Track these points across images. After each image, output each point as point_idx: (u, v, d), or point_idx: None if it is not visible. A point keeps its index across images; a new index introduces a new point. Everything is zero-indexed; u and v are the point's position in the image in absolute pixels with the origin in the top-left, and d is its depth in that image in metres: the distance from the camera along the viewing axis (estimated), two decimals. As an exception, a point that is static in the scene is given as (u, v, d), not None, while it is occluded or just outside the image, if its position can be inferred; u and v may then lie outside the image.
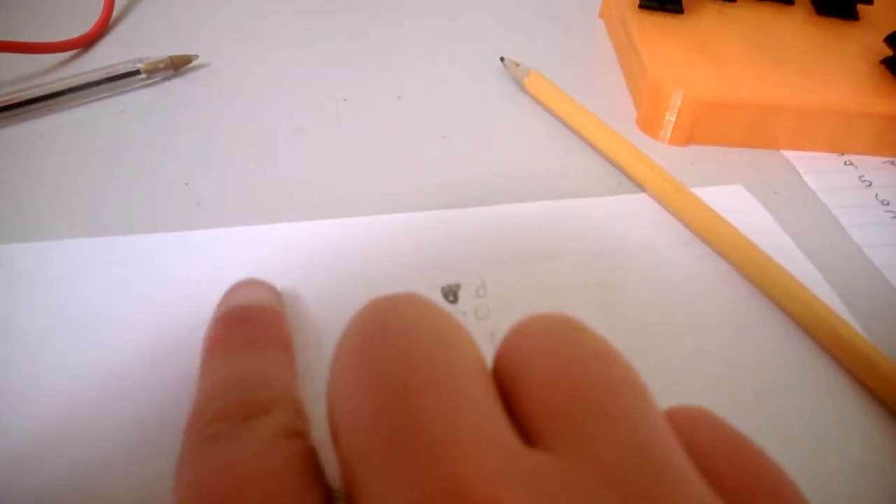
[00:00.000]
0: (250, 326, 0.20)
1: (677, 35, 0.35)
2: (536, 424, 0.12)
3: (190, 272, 0.25)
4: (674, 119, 0.31)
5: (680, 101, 0.31)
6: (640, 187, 0.29)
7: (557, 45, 0.40)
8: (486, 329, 0.23)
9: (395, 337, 0.13)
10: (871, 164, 0.32)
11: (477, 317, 0.24)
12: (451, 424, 0.12)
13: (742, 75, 0.32)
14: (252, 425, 0.15)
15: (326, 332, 0.23)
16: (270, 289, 0.23)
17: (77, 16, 0.38)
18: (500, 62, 0.36)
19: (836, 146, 0.33)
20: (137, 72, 0.33)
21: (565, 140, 0.32)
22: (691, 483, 0.12)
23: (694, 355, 0.23)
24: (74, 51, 0.36)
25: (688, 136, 0.32)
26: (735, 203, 0.29)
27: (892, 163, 0.33)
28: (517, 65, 0.35)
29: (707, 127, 0.32)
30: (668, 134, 0.32)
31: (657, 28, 0.35)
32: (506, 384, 0.13)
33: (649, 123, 0.33)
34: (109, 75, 0.33)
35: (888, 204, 0.30)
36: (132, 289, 0.24)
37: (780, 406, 0.22)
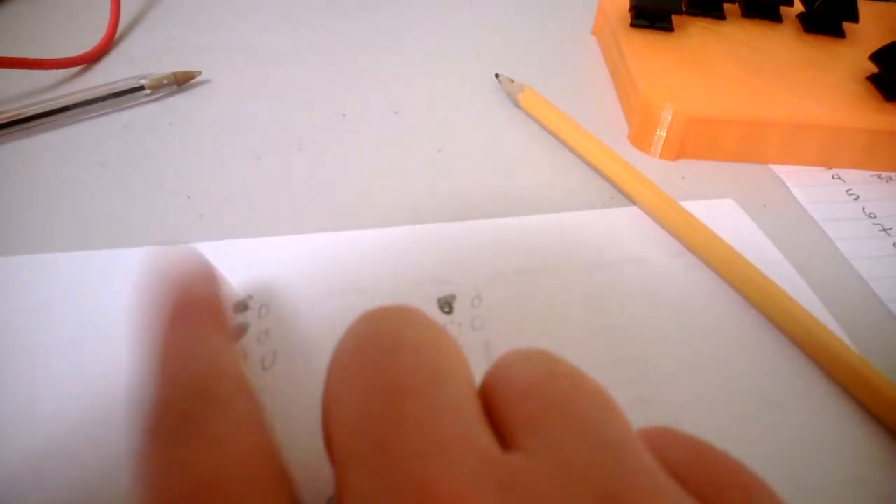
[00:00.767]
0: (199, 316, 0.19)
1: (667, 52, 0.36)
2: (512, 431, 0.13)
3: (192, 283, 0.25)
4: (664, 135, 0.32)
5: (670, 118, 0.32)
6: (632, 201, 0.30)
7: (551, 61, 0.41)
8: (481, 339, 0.24)
9: (387, 347, 0.14)
10: (859, 178, 0.33)
11: (472, 327, 0.24)
12: (433, 430, 0.12)
13: (731, 92, 0.33)
14: (210, 416, 0.15)
15: (323, 343, 0.24)
16: (208, 269, 0.21)
17: (82, 32, 0.38)
18: (495, 78, 0.37)
19: (824, 160, 0.33)
20: (141, 87, 0.34)
21: (559, 155, 0.33)
22: (658, 478, 0.12)
23: (684, 367, 0.24)
24: (80, 67, 0.37)
25: (678, 150, 0.33)
26: (725, 216, 0.30)
27: (879, 176, 0.33)
28: (512, 81, 0.36)
29: (697, 142, 0.33)
30: (659, 149, 0.33)
31: (648, 46, 0.36)
32: (488, 401, 0.14)
33: (640, 138, 0.33)
34: (114, 91, 0.33)
35: (875, 217, 0.31)
36: (130, 304, 0.24)
37: (771, 418, 0.23)
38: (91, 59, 0.37)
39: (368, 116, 0.35)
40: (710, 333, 0.25)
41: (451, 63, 0.40)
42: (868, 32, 0.39)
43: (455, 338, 0.23)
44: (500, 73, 0.37)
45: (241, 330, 0.24)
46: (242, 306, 0.25)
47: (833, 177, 0.33)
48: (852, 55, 0.37)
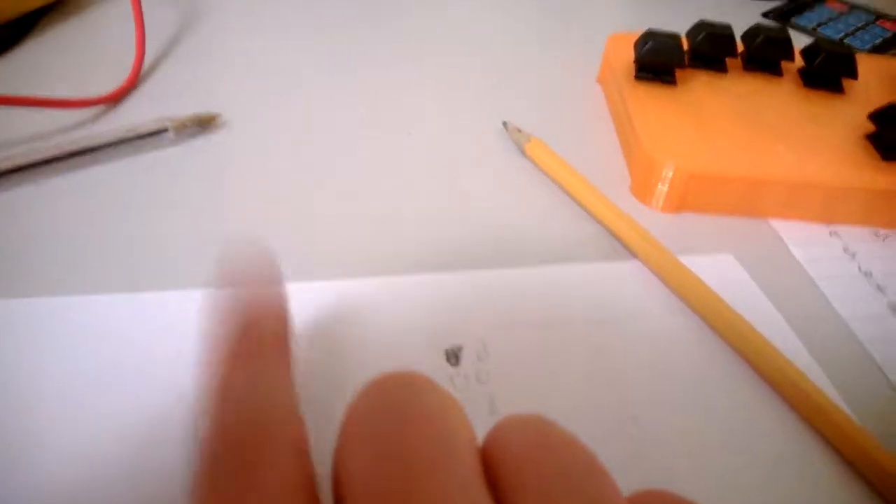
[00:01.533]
0: (255, 340, 0.19)
1: (670, 106, 0.37)
2: (509, 497, 0.14)
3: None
4: (665, 189, 0.33)
5: (671, 173, 0.33)
6: (634, 255, 0.31)
7: (557, 108, 0.42)
8: (486, 392, 0.25)
9: (398, 416, 0.15)
10: (856, 235, 0.34)
11: (478, 380, 0.25)
12: (440, 500, 0.13)
13: (732, 148, 0.34)
14: (261, 479, 0.16)
15: (329, 392, 0.24)
16: (273, 271, 0.22)
17: (105, 71, 0.40)
18: (502, 126, 0.38)
19: (823, 217, 0.34)
20: (165, 130, 0.35)
21: (564, 205, 0.34)
22: None
23: (681, 426, 0.25)
24: (103, 106, 0.38)
25: (679, 204, 0.34)
26: (724, 273, 0.31)
27: (877, 234, 0.34)
28: (519, 130, 0.37)
29: (697, 197, 0.34)
30: (661, 202, 0.34)
31: (651, 98, 0.37)
32: (487, 465, 0.15)
33: (642, 191, 0.35)
34: (138, 133, 0.34)
35: (871, 275, 0.32)
36: (157, 343, 0.25)
37: (765, 479, 0.23)
38: (115, 99, 0.38)
39: (380, 162, 0.36)
40: (706, 391, 0.26)
41: (459, 110, 0.41)
42: (867, 87, 0.40)
43: (461, 390, 0.25)
44: (507, 120, 0.38)
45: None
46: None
47: (831, 233, 0.34)
48: (851, 112, 0.38)
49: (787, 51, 0.40)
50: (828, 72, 0.39)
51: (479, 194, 0.34)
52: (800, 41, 0.41)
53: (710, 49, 0.39)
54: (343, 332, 0.27)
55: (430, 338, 0.27)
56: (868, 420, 0.25)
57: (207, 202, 0.32)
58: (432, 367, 0.26)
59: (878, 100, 0.37)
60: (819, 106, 0.38)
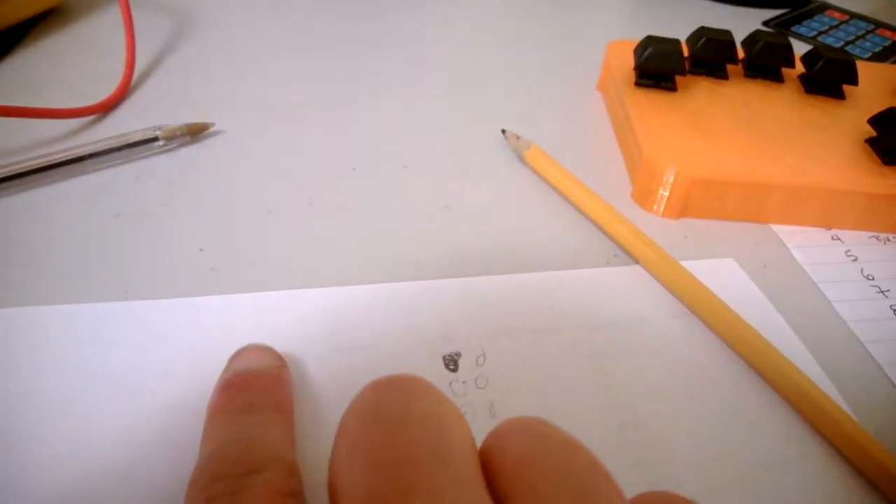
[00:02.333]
0: (248, 392, 0.22)
1: (671, 112, 0.37)
2: (509, 499, 0.14)
3: (203, 337, 0.26)
4: (667, 194, 0.33)
5: (673, 178, 0.33)
6: (635, 260, 0.31)
7: (557, 115, 0.41)
8: (485, 398, 0.24)
9: (394, 420, 0.15)
10: (857, 239, 0.34)
11: (477, 386, 0.25)
12: (438, 501, 0.13)
13: (733, 153, 0.34)
14: (246, 484, 0.17)
15: (329, 398, 0.24)
16: (271, 353, 0.24)
17: (96, 81, 0.39)
18: (501, 133, 0.38)
19: (824, 222, 0.34)
20: (156, 139, 0.35)
21: (564, 212, 0.34)
22: None
23: (684, 429, 0.24)
24: (93, 116, 0.37)
25: (680, 209, 0.33)
26: (726, 277, 0.30)
27: (878, 238, 0.34)
28: (518, 137, 0.37)
29: (699, 202, 0.33)
30: (662, 208, 0.33)
31: (652, 105, 0.37)
32: (487, 468, 0.15)
33: (643, 197, 0.34)
34: (128, 142, 0.34)
35: (873, 279, 0.32)
36: (147, 352, 0.25)
37: (768, 481, 0.23)
38: (105, 109, 0.38)
39: (377, 171, 0.35)
40: (709, 395, 0.26)
41: (459, 117, 0.41)
42: (867, 93, 0.40)
43: (460, 396, 0.24)
44: (506, 128, 0.38)
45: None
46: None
47: (833, 237, 0.34)
48: (852, 117, 0.37)
49: (787, 57, 0.39)
50: (828, 78, 0.39)
51: (479, 201, 0.34)
52: (800, 49, 0.41)
53: (710, 55, 0.39)
54: (341, 338, 0.26)
55: (428, 344, 0.26)
56: (870, 422, 0.24)
57: (198, 211, 0.32)
58: (431, 373, 0.25)
59: (878, 105, 0.37)
60: (820, 112, 0.38)
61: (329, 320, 0.27)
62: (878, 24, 0.56)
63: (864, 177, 0.33)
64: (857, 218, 0.34)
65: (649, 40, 0.38)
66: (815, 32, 0.54)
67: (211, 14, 0.50)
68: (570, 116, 0.42)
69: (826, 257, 0.33)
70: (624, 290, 0.30)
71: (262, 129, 0.38)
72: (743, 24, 0.54)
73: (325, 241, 0.31)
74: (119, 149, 0.34)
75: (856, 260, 0.33)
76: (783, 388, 0.25)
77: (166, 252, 0.29)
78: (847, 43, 0.53)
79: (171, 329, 0.26)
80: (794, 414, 0.25)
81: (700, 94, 0.38)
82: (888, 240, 0.34)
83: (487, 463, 0.15)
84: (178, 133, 0.35)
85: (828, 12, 0.58)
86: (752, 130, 0.36)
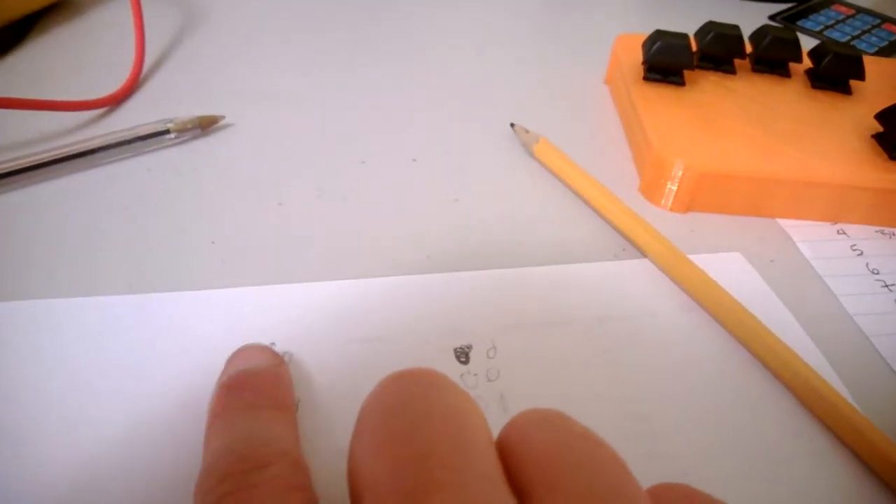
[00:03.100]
0: (249, 391, 0.22)
1: (679, 107, 0.37)
2: (531, 493, 0.14)
3: (214, 330, 0.26)
4: (675, 188, 0.33)
5: (681, 172, 0.33)
6: (643, 254, 0.31)
7: (565, 109, 0.42)
8: (496, 390, 0.25)
9: (415, 410, 0.15)
10: (863, 234, 0.34)
11: (487, 378, 0.25)
12: (461, 496, 0.13)
13: (741, 148, 0.34)
14: (254, 481, 0.17)
15: (344, 391, 0.24)
16: (269, 352, 0.24)
17: (106, 73, 0.40)
18: (510, 127, 0.38)
19: (830, 216, 0.34)
20: (167, 131, 0.35)
21: (572, 205, 0.34)
22: None
23: (693, 422, 0.25)
24: (104, 108, 0.38)
25: (688, 203, 0.34)
26: (733, 270, 0.31)
27: (883, 232, 0.34)
28: (527, 131, 0.37)
29: (707, 196, 0.33)
30: (670, 202, 0.34)
31: (660, 99, 0.37)
32: (507, 461, 0.15)
33: (651, 191, 0.34)
34: (140, 134, 0.34)
35: (878, 273, 0.32)
36: (157, 346, 0.25)
37: (776, 474, 0.23)
38: (115, 101, 0.38)
39: (387, 163, 0.36)
40: (717, 388, 0.26)
41: (468, 111, 0.41)
42: (874, 89, 0.40)
43: (471, 388, 0.24)
44: (515, 121, 0.38)
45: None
46: (266, 353, 0.25)
47: (838, 231, 0.34)
48: (858, 112, 0.38)
49: (795, 52, 0.40)
50: (835, 73, 0.39)
51: (488, 195, 0.34)
52: (806, 44, 0.41)
53: (718, 50, 0.39)
54: (353, 330, 0.26)
55: (440, 337, 0.27)
56: (875, 414, 0.24)
57: (209, 204, 0.32)
58: (443, 365, 0.26)
59: (885, 101, 0.37)
60: (827, 107, 0.38)
61: (340, 313, 0.27)
62: (885, 19, 0.56)
63: (871, 172, 0.34)
64: (863, 212, 0.34)
65: (658, 34, 0.38)
66: (821, 27, 0.54)
67: (220, 6, 0.50)
68: (579, 110, 0.42)
69: (832, 252, 0.33)
70: (632, 283, 0.30)
71: (272, 122, 0.38)
72: (749, 18, 0.54)
73: (336, 234, 0.31)
74: (130, 142, 0.34)
75: (861, 254, 0.33)
76: (790, 381, 0.26)
77: (177, 245, 0.30)
78: (853, 37, 0.53)
79: (181, 322, 0.26)
80: (801, 407, 0.25)
81: (708, 89, 0.38)
82: (894, 234, 0.34)
83: (506, 456, 0.15)
84: (188, 126, 0.35)
85: (834, 6, 0.58)
86: (760, 125, 0.36)
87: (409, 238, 0.31)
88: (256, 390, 0.22)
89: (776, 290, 0.30)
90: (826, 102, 0.39)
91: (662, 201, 0.34)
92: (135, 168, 0.34)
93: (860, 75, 0.39)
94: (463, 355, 0.26)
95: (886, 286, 0.31)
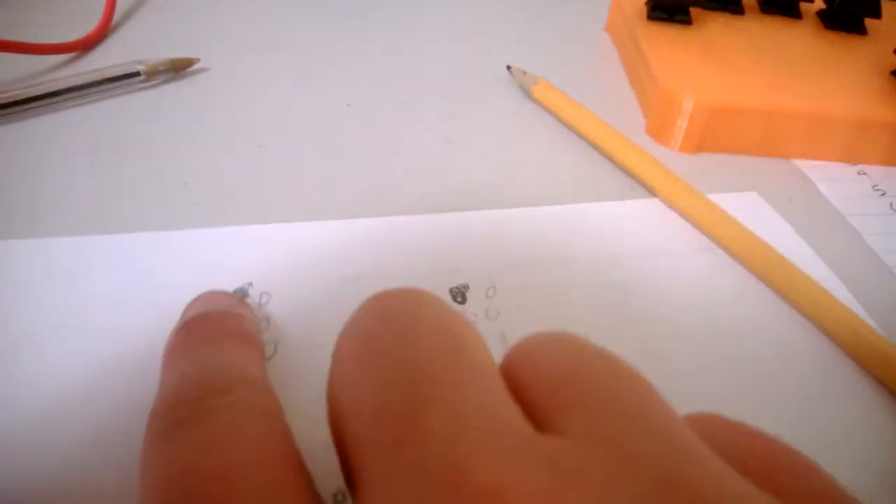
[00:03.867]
0: (208, 327, 0.19)
1: (686, 45, 0.34)
2: (546, 416, 0.12)
3: (188, 270, 0.24)
4: (685, 125, 0.31)
5: (691, 107, 0.31)
6: (652, 192, 0.29)
7: (563, 57, 0.39)
8: (496, 328, 0.23)
9: (401, 325, 0.13)
10: (885, 174, 0.32)
11: (487, 316, 0.23)
12: (463, 411, 0.11)
13: (752, 83, 0.32)
14: (215, 405, 0.14)
15: (327, 332, 0.22)
16: (230, 296, 0.22)
17: (78, 18, 0.37)
18: (506, 71, 0.36)
19: (849, 156, 0.32)
20: (137, 73, 0.32)
21: (574, 146, 0.32)
22: (715, 464, 0.11)
23: (712, 363, 0.22)
24: (75, 53, 0.35)
25: (699, 143, 0.31)
26: (750, 209, 0.28)
27: (906, 173, 0.32)
28: (524, 73, 0.34)
29: (718, 134, 0.31)
30: (679, 141, 0.31)
31: (666, 38, 0.35)
32: (514, 383, 0.13)
33: (660, 131, 0.32)
34: (108, 76, 0.32)
35: (904, 213, 0.30)
36: (129, 286, 0.23)
37: (802, 411, 0.21)
38: (86, 46, 0.36)
39: (375, 106, 0.33)
40: (738, 328, 0.24)
41: (460, 55, 0.38)
42: (891, 29, 0.38)
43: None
44: (511, 65, 0.36)
45: (240, 318, 0.22)
46: (241, 293, 0.23)
47: (858, 172, 0.32)
48: (875, 51, 0.36)
49: (806, -10, 0.37)
50: (849, 11, 0.37)
51: (484, 137, 0.32)
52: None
53: (725, -12, 0.37)
54: (340, 269, 0.24)
55: (434, 276, 0.24)
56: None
57: (182, 146, 0.30)
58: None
59: (903, 39, 0.35)
60: (841, 46, 0.36)
61: (325, 253, 0.25)
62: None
63: (891, 108, 0.31)
64: (884, 151, 0.32)
65: (663, -30, 0.36)
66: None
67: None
68: (578, 57, 0.39)
69: (854, 191, 0.31)
70: (641, 222, 0.28)
71: (251, 66, 0.36)
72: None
73: (321, 176, 0.29)
74: (99, 83, 0.32)
75: (884, 194, 0.31)
76: (815, 313, 0.23)
77: (148, 186, 0.27)
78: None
79: (155, 262, 0.24)
80: (826, 340, 0.23)
81: (716, 28, 0.36)
82: (918, 175, 0.32)
83: (514, 378, 0.13)
84: (160, 68, 0.33)
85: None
86: (772, 63, 0.34)
87: (400, 180, 0.29)
88: (217, 325, 0.19)
89: (797, 231, 0.28)
90: (840, 42, 0.36)
91: (672, 141, 0.32)
92: (105, 111, 0.31)
93: (876, 13, 0.37)
94: (459, 295, 0.24)
95: (913, 226, 0.29)
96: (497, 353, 0.21)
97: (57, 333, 0.21)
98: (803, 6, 0.39)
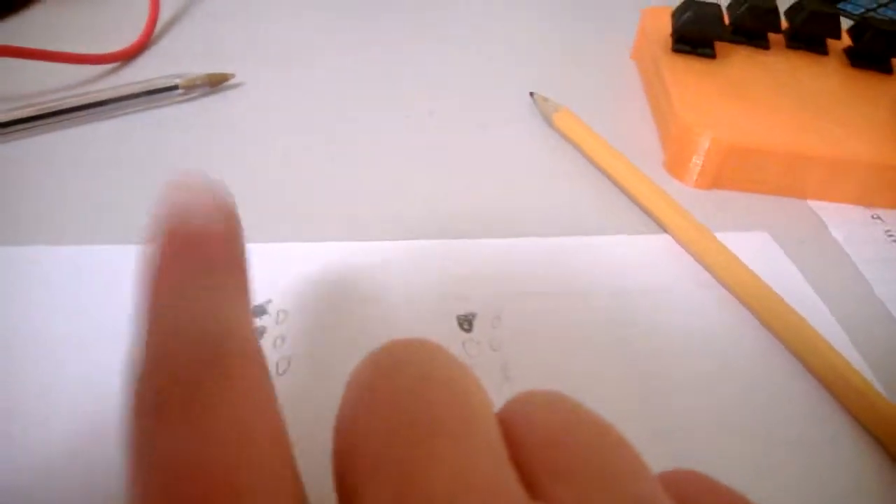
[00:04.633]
0: (194, 252, 0.15)
1: (708, 79, 0.35)
2: (536, 478, 0.13)
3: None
4: (701, 162, 0.31)
5: (708, 145, 0.31)
6: (664, 229, 0.29)
7: (588, 83, 0.40)
8: (499, 359, 0.23)
9: (412, 379, 0.14)
10: (900, 219, 0.32)
11: (491, 347, 0.24)
12: (465, 471, 0.12)
13: (772, 122, 0.32)
14: (215, 388, 0.13)
15: (339, 352, 0.23)
16: (208, 187, 0.17)
17: (120, 29, 0.39)
18: (529, 97, 0.37)
19: (865, 199, 0.32)
20: (175, 87, 0.34)
21: (591, 177, 0.32)
22: None
23: (707, 401, 0.23)
24: (116, 63, 0.37)
25: (714, 179, 0.32)
26: (759, 250, 0.29)
27: (921, 219, 0.32)
28: (546, 100, 0.35)
29: (734, 172, 0.32)
30: (695, 177, 0.32)
31: (689, 71, 0.35)
32: (509, 439, 0.13)
33: (677, 166, 0.33)
34: (149, 89, 0.34)
35: (915, 260, 0.30)
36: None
37: (793, 458, 0.22)
38: (127, 57, 0.37)
39: (400, 128, 0.34)
40: (736, 368, 0.24)
41: (486, 79, 0.39)
42: (917, 70, 0.38)
43: (474, 356, 0.23)
44: (534, 91, 0.37)
45: (258, 334, 0.23)
46: (260, 310, 0.24)
47: (873, 216, 0.32)
48: (899, 92, 0.36)
49: (833, 27, 0.38)
50: (876, 50, 0.37)
51: (504, 163, 0.33)
52: (844, 25, 0.39)
53: (752, 22, 0.37)
54: (356, 291, 0.25)
55: (443, 302, 0.25)
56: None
57: (216, 160, 0.31)
58: (445, 331, 0.24)
59: (929, 81, 0.35)
60: (866, 86, 0.36)
61: (343, 274, 0.26)
62: (931, 4, 0.53)
63: (911, 154, 0.32)
64: (901, 197, 0.32)
65: (688, 3, 0.36)
66: (862, 10, 0.52)
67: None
68: (602, 84, 0.40)
69: (866, 236, 0.31)
70: (651, 258, 0.28)
71: (284, 82, 0.37)
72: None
73: (343, 196, 0.30)
74: (139, 95, 0.33)
75: (897, 240, 0.31)
76: (814, 364, 0.24)
77: (180, 199, 0.29)
78: (896, 22, 0.51)
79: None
80: (821, 390, 0.24)
81: (739, 63, 0.37)
82: (932, 220, 0.32)
83: (509, 436, 0.14)
84: (197, 83, 0.34)
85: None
86: (794, 101, 0.34)
87: (420, 203, 0.30)
88: (204, 249, 0.15)
89: (804, 273, 0.28)
90: (865, 81, 0.37)
91: (687, 176, 0.32)
92: (144, 122, 0.33)
93: (903, 53, 0.37)
94: (466, 322, 0.25)
95: (922, 274, 0.29)
96: (498, 385, 0.22)
97: (80, 339, 0.23)
98: (830, 43, 0.39)
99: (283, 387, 0.22)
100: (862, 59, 0.38)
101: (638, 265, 0.28)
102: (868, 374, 0.24)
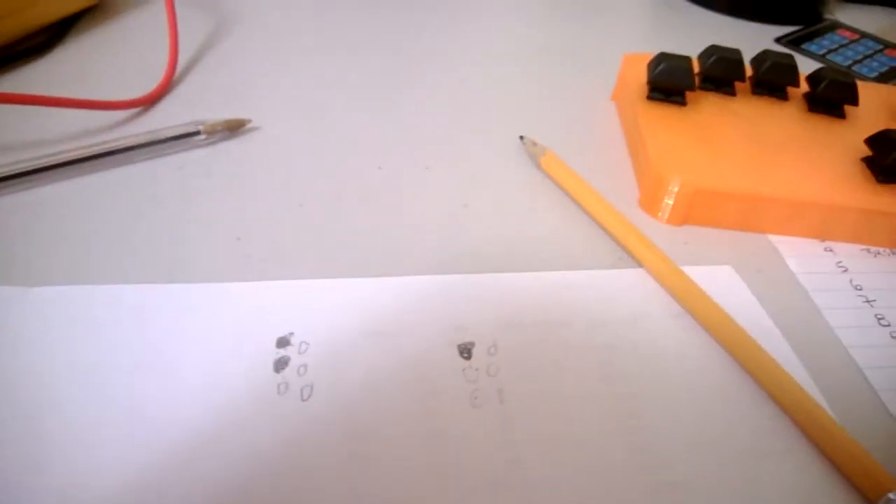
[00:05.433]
0: None
1: (679, 125, 0.39)
2: None
3: (238, 319, 0.28)
4: (671, 202, 0.35)
5: (677, 188, 0.35)
6: (639, 263, 0.33)
7: (572, 123, 0.44)
8: (495, 385, 0.27)
9: None
10: (849, 252, 0.36)
11: (488, 373, 0.27)
12: None
13: (735, 166, 0.36)
14: None
15: (354, 378, 0.27)
16: None
17: (139, 74, 0.42)
18: (519, 139, 0.40)
19: (819, 233, 0.36)
20: (197, 132, 0.37)
21: (575, 216, 0.36)
22: None
23: (678, 420, 0.27)
24: (138, 108, 0.40)
25: (683, 217, 0.36)
26: (723, 282, 0.33)
27: (868, 250, 0.36)
28: (535, 144, 0.39)
29: (701, 210, 0.35)
30: (666, 215, 0.36)
31: (662, 117, 0.39)
32: None
33: (650, 204, 0.36)
34: (171, 135, 0.37)
35: (861, 289, 0.34)
36: (186, 334, 0.28)
37: (752, 470, 0.25)
38: (149, 102, 0.41)
39: (402, 171, 0.38)
40: (701, 389, 0.28)
41: (479, 123, 0.43)
42: (867, 114, 0.42)
43: (472, 381, 0.27)
44: (524, 133, 0.40)
45: (283, 363, 0.27)
46: (284, 342, 0.28)
47: (826, 249, 0.36)
48: (850, 136, 0.40)
49: (792, 76, 0.41)
50: (830, 98, 0.41)
51: (496, 203, 0.37)
52: (809, 66, 0.43)
53: (720, 72, 0.41)
54: (367, 324, 0.29)
55: (445, 333, 0.29)
56: (849, 420, 0.27)
57: (235, 202, 0.34)
58: (447, 359, 0.28)
59: (876, 126, 0.39)
60: (821, 130, 0.40)
61: (355, 308, 0.29)
62: (887, 45, 0.58)
63: (859, 193, 0.35)
64: (850, 231, 0.36)
65: (662, 56, 0.40)
66: (824, 50, 0.56)
67: (250, 13, 0.53)
68: (585, 124, 0.44)
69: (819, 267, 0.35)
70: (628, 290, 0.32)
71: (296, 127, 0.40)
72: (757, 39, 0.56)
73: (352, 235, 0.33)
74: (162, 141, 0.37)
75: (846, 270, 0.35)
76: (769, 385, 0.28)
77: (204, 240, 0.32)
78: (855, 62, 0.55)
79: (208, 312, 0.29)
80: (778, 410, 0.27)
81: (708, 109, 0.41)
82: (878, 253, 0.36)
83: None
84: (217, 128, 0.38)
85: (839, 31, 0.60)
86: (756, 145, 0.38)
87: (421, 240, 0.33)
88: None
89: (763, 303, 0.32)
90: (820, 126, 0.41)
91: (659, 214, 0.36)
92: (166, 166, 0.36)
93: (854, 100, 0.41)
94: (466, 351, 0.28)
95: (868, 301, 0.33)
96: (494, 408, 0.26)
97: (115, 376, 0.26)
98: (791, 89, 0.43)
99: (309, 410, 0.25)
100: (818, 104, 0.42)
101: (617, 297, 0.31)
102: (814, 391, 0.28)
